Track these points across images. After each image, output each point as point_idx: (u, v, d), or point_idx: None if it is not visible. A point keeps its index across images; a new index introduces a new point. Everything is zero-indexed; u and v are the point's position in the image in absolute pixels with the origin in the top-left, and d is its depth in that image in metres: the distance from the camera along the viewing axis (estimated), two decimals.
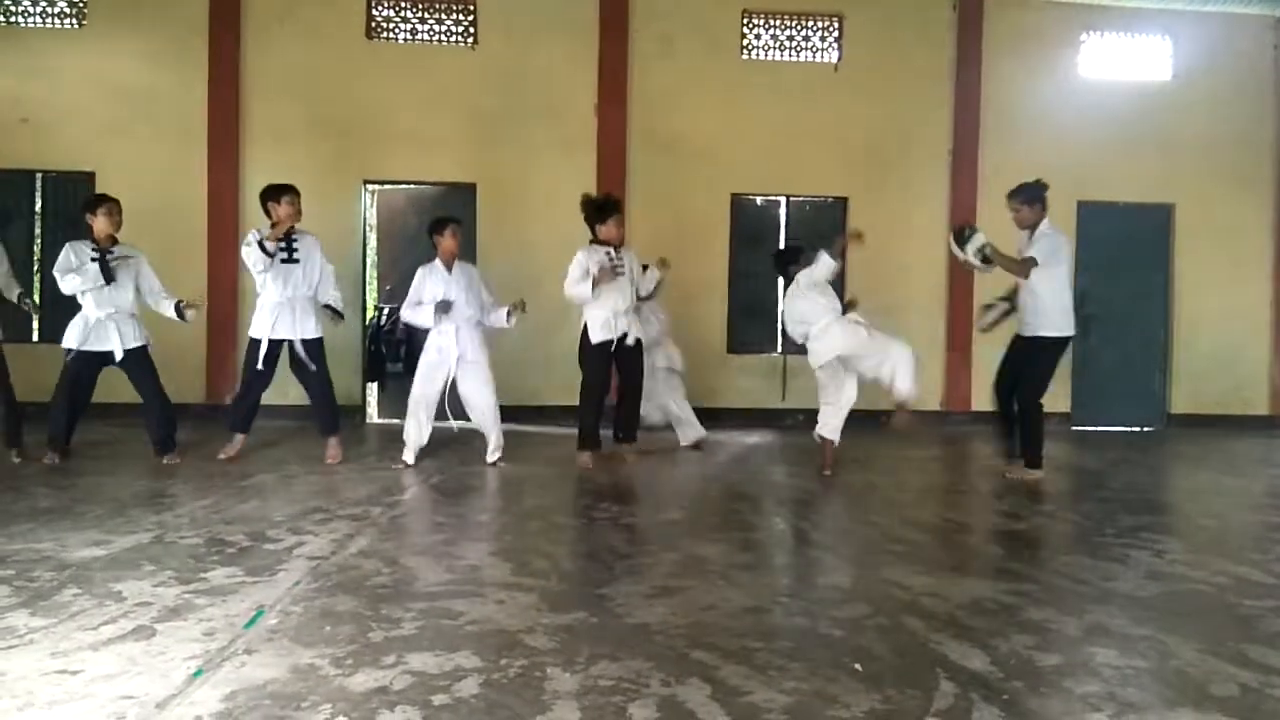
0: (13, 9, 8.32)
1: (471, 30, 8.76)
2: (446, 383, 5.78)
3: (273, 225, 5.63)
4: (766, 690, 2.17)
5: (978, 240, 5.56)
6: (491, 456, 5.92)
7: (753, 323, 9.12)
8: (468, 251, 8.73)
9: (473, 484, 5.29)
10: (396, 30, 8.75)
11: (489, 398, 5.85)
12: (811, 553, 3.74)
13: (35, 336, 8.20)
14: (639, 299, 6.20)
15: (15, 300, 5.82)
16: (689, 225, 8.81)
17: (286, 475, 5.33)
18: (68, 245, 5.60)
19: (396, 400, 8.76)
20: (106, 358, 5.57)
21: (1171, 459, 7.31)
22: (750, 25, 9.08)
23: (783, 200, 9.22)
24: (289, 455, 6.01)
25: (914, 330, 9.06)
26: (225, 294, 8.31)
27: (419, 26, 8.77)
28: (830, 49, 9.14)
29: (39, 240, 8.37)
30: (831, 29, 9.11)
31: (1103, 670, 2.36)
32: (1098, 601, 3.01)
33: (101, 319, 5.52)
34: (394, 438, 6.11)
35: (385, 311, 8.77)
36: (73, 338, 5.54)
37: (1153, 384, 9.48)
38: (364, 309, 8.69)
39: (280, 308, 5.64)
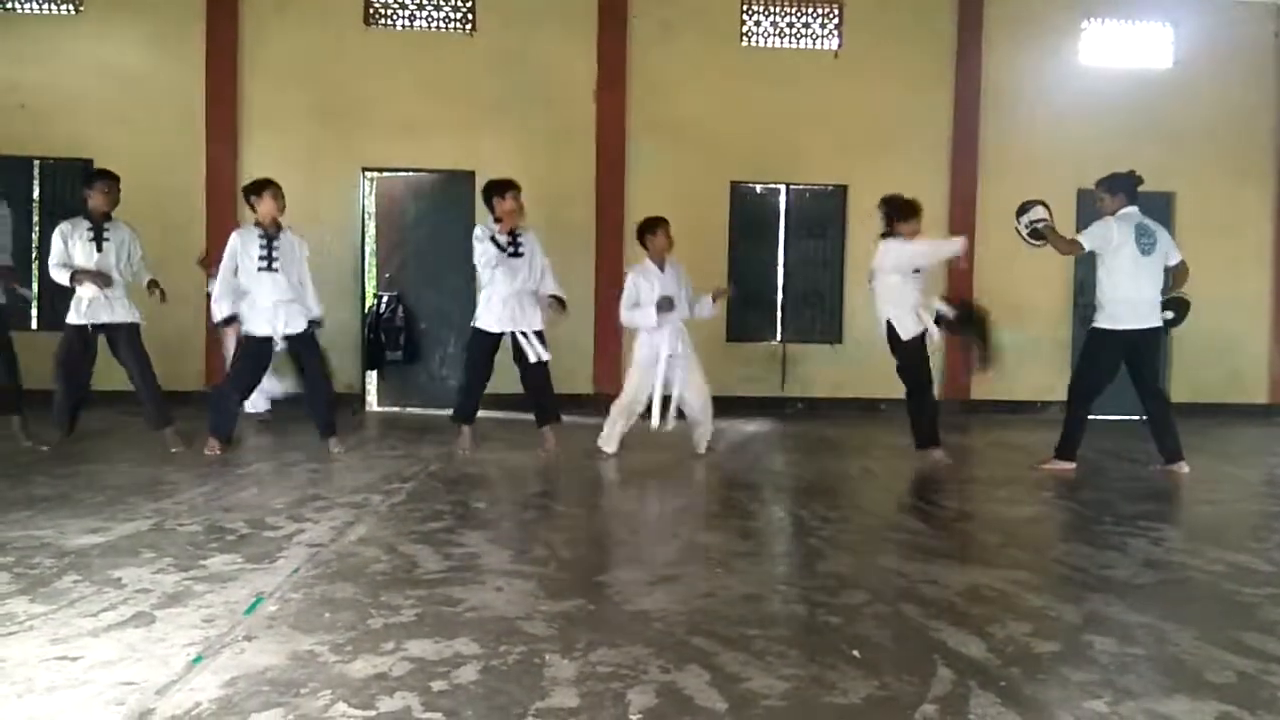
0: None
1: (470, 17, 8.72)
2: (659, 380, 5.77)
3: (496, 220, 5.70)
4: (765, 677, 2.18)
5: (1034, 214, 5.46)
6: (700, 447, 5.96)
7: (753, 311, 9.12)
8: (467, 239, 8.72)
9: (472, 472, 5.29)
10: (395, 17, 8.72)
11: (702, 390, 5.88)
12: (810, 540, 3.74)
13: (34, 324, 8.21)
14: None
15: (145, 286, 5.76)
16: (688, 213, 8.78)
17: (286, 463, 5.33)
18: (236, 234, 5.57)
19: (396, 388, 8.77)
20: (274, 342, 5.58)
21: None
22: (750, 11, 9.05)
23: (783, 188, 9.21)
24: (287, 443, 6.01)
25: None
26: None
27: (417, 13, 8.74)
28: (830, 36, 9.11)
29: (37, 227, 8.35)
30: (831, 16, 9.08)
31: (1100, 657, 2.36)
32: (1096, 589, 3.01)
33: (271, 304, 5.51)
34: (394, 426, 6.10)
35: (384, 299, 8.74)
36: (250, 323, 5.53)
37: None
38: (363, 296, 8.68)
39: (508, 301, 5.70)
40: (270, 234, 5.54)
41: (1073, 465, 5.64)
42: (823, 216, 9.26)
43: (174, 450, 5.59)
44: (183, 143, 8.32)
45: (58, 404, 5.62)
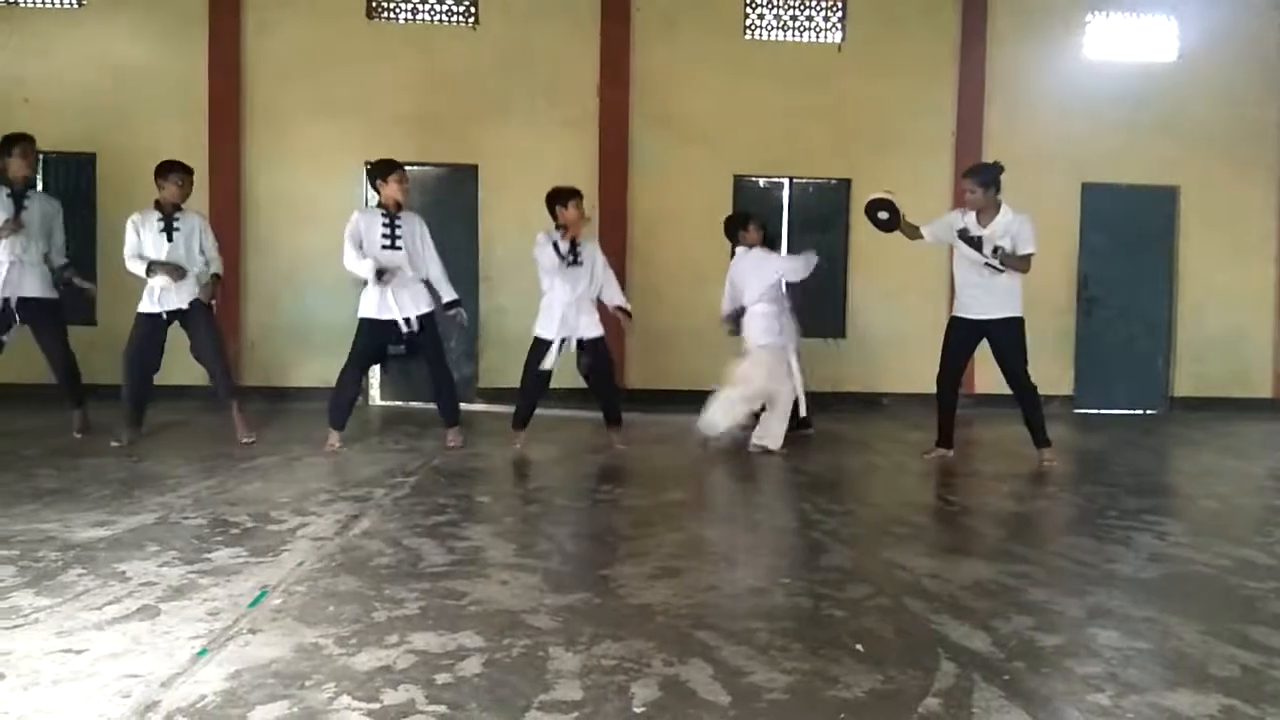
0: None
1: (473, 10, 8.71)
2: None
3: (557, 227, 5.72)
4: (768, 670, 2.18)
5: (988, 243, 5.44)
6: (800, 410, 6.24)
7: None
8: (470, 233, 8.73)
9: (476, 465, 5.30)
10: (397, 10, 8.71)
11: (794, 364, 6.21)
12: (813, 534, 3.74)
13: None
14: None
15: (208, 277, 5.83)
16: (691, 207, 8.79)
17: (290, 457, 5.34)
18: (357, 213, 5.69)
19: (399, 383, 8.78)
20: (397, 327, 5.55)
21: (1174, 442, 7.30)
22: (753, 5, 9.02)
23: (785, 182, 9.19)
24: (292, 437, 6.02)
25: (915, 313, 9.07)
26: (226, 277, 8.29)
27: (420, 6, 8.73)
28: (834, 29, 9.08)
29: None
30: (835, 9, 9.06)
31: (1104, 651, 2.36)
32: (1099, 583, 3.01)
33: (395, 288, 5.53)
34: (397, 420, 6.11)
35: None
36: (369, 306, 5.55)
37: (1155, 367, 9.48)
38: None
39: (568, 308, 5.73)
40: (392, 214, 5.62)
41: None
42: (826, 210, 9.24)
43: (245, 441, 5.68)
44: (186, 138, 8.30)
45: (128, 396, 5.64)
